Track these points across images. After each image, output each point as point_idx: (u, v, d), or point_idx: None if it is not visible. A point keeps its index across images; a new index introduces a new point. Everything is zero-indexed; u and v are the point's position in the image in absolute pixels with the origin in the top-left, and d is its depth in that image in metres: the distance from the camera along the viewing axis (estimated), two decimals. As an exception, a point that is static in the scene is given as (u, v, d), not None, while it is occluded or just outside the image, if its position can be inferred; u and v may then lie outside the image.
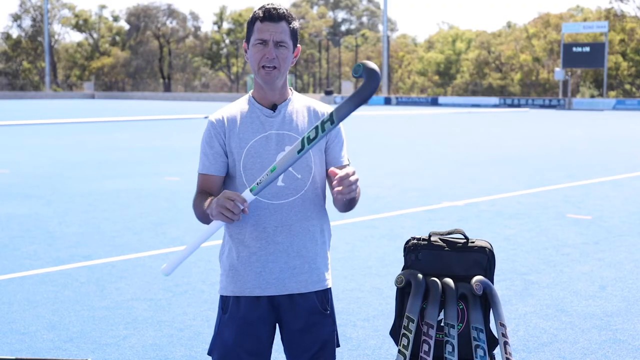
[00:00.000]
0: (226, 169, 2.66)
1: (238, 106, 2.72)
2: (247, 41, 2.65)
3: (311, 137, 2.35)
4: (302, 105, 2.71)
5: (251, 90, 2.75)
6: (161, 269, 2.45)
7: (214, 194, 2.65)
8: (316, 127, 2.36)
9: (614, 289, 5.91)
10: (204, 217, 2.60)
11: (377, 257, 6.97)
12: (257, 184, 2.42)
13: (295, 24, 2.64)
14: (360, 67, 2.28)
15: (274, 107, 2.66)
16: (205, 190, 2.66)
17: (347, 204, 2.62)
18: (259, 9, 2.61)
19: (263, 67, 2.59)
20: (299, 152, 2.37)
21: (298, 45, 2.67)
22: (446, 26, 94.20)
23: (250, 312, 2.65)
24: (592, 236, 7.93)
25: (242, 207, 2.40)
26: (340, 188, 2.41)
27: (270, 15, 2.57)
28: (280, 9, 2.59)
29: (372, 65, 2.28)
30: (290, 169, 2.59)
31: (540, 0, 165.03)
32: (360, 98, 2.29)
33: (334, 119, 2.34)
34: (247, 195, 2.43)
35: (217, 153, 2.64)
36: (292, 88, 2.77)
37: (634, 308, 5.41)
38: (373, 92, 2.28)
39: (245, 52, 2.68)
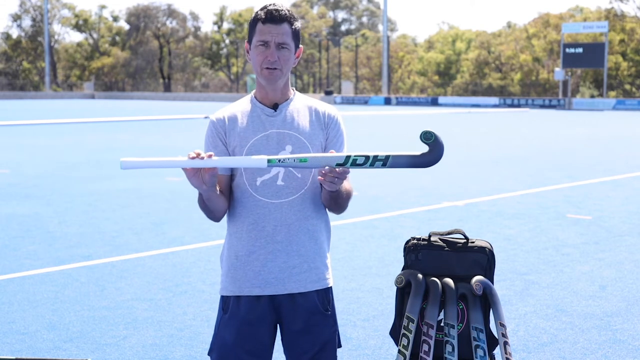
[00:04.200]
0: (231, 168, 2.66)
1: (239, 106, 2.72)
2: (249, 41, 2.64)
3: (358, 162, 2.34)
4: (304, 105, 2.71)
5: (253, 91, 2.75)
6: (122, 159, 2.30)
7: (225, 196, 2.65)
8: (367, 157, 2.34)
9: (614, 289, 5.91)
10: (205, 207, 2.59)
11: (377, 257, 6.97)
12: (279, 160, 2.36)
13: (297, 25, 2.63)
14: (432, 136, 2.35)
15: (275, 107, 2.66)
16: None
17: (333, 202, 2.60)
18: (261, 9, 2.59)
19: (266, 68, 2.59)
20: (337, 164, 2.35)
21: (300, 45, 2.67)
22: (446, 26, 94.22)
23: (251, 312, 2.65)
24: (592, 236, 7.93)
25: (202, 155, 2.33)
26: (322, 177, 2.41)
27: (272, 17, 2.56)
28: (282, 10, 2.57)
29: (441, 140, 2.35)
30: (291, 168, 2.59)
31: (540, 0, 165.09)
32: (419, 161, 2.35)
33: (386, 162, 2.34)
34: (261, 160, 2.36)
35: (221, 152, 2.64)
36: (294, 88, 2.77)
37: (634, 308, 5.41)
38: (432, 163, 2.35)
39: (247, 52, 2.67)
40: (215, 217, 2.64)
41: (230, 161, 2.42)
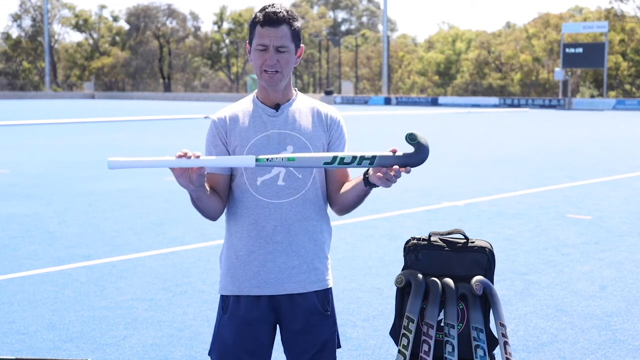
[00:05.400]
0: (231, 168, 2.66)
1: (241, 105, 2.72)
2: (250, 43, 2.64)
3: (345, 161, 2.37)
4: (306, 106, 2.71)
5: (255, 90, 2.75)
6: (109, 159, 2.31)
7: (220, 194, 2.65)
8: (354, 156, 2.37)
9: (614, 289, 5.91)
10: (197, 206, 2.59)
11: (377, 257, 6.97)
12: (267, 159, 2.36)
13: (297, 24, 2.61)
14: (415, 137, 2.40)
15: (276, 107, 2.66)
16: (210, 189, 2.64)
17: (359, 201, 2.63)
18: (260, 11, 2.58)
19: (265, 71, 2.58)
20: (324, 163, 2.38)
21: (301, 45, 2.65)
22: (446, 26, 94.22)
23: (250, 312, 2.65)
24: (592, 236, 7.93)
25: (190, 154, 2.33)
26: (381, 175, 2.41)
27: (270, 20, 2.54)
28: (280, 12, 2.55)
29: (426, 142, 2.41)
30: (291, 168, 2.59)
31: (540, 0, 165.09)
32: (405, 162, 2.39)
33: (373, 161, 2.37)
34: (250, 159, 2.37)
35: (221, 152, 2.64)
36: (296, 89, 2.76)
37: (634, 308, 5.41)
38: (418, 164, 2.40)
39: (249, 53, 2.67)
40: (208, 216, 2.64)
41: (218, 161, 2.42)
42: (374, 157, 2.37)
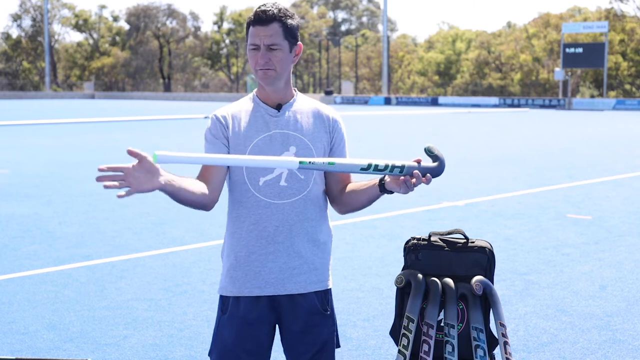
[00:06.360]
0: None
1: (242, 104, 2.71)
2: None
3: (379, 168, 2.47)
4: (307, 107, 2.71)
5: (255, 90, 2.74)
6: (156, 152, 2.20)
7: (214, 185, 2.57)
8: (387, 165, 2.47)
9: (614, 289, 5.91)
10: (180, 201, 2.46)
11: (377, 257, 6.97)
12: (310, 162, 2.38)
13: (291, 22, 2.59)
14: (433, 151, 2.58)
15: (278, 107, 2.66)
16: (203, 178, 2.57)
17: (368, 204, 2.69)
18: (253, 12, 2.60)
19: (259, 69, 2.59)
20: (361, 169, 2.46)
21: (298, 43, 2.64)
22: (446, 26, 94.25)
23: (250, 312, 2.65)
24: (592, 236, 7.93)
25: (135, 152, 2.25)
26: (402, 179, 2.49)
27: (259, 19, 2.55)
28: (269, 10, 2.54)
29: (442, 156, 2.57)
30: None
31: (540, 0, 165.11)
32: (428, 171, 2.53)
33: (402, 169, 2.49)
34: (293, 162, 2.36)
35: (220, 149, 2.61)
36: (295, 89, 2.76)
37: (634, 308, 5.41)
38: (438, 174, 2.55)
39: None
40: (196, 206, 2.51)
41: (261, 161, 2.36)
42: (403, 166, 2.49)
